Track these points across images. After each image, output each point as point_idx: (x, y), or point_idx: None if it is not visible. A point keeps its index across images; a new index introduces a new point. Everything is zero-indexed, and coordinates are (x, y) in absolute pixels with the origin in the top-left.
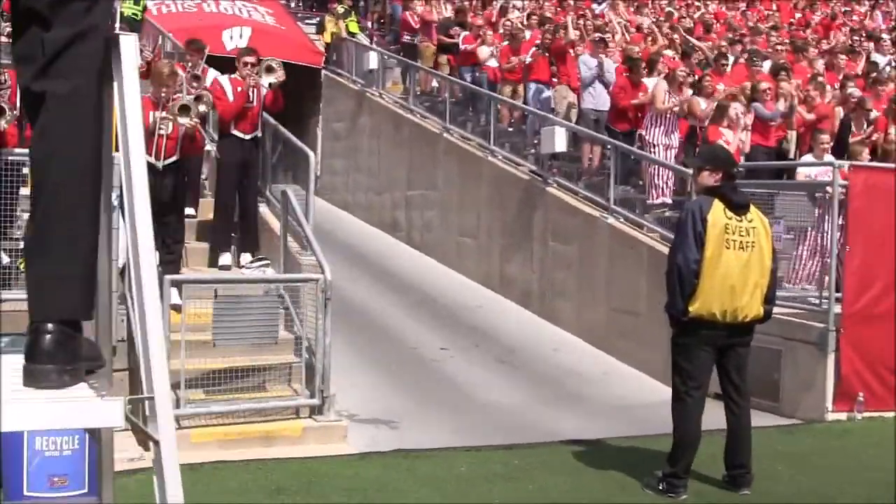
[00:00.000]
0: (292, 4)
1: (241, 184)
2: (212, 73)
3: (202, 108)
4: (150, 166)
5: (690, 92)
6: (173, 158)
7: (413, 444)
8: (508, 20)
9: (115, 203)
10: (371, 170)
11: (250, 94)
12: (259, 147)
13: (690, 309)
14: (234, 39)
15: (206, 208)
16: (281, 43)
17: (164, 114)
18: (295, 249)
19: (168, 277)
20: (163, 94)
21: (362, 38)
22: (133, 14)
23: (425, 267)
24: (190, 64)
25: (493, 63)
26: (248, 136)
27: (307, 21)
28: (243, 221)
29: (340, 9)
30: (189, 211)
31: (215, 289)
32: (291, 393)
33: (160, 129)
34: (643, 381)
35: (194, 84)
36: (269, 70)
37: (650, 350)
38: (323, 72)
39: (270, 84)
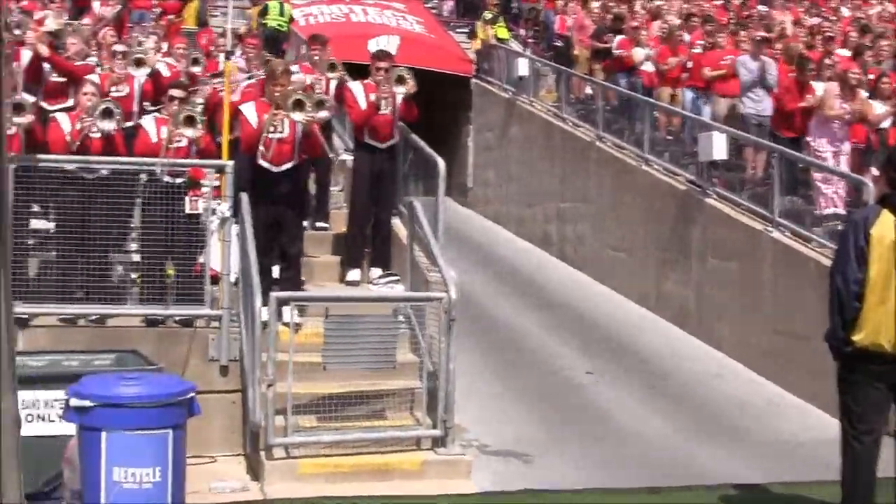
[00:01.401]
0: (445, 13)
1: (376, 195)
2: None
3: (322, 113)
4: (265, 171)
5: (866, 94)
6: (290, 164)
7: (546, 482)
8: (665, 22)
9: (228, 214)
10: (522, 181)
11: (383, 102)
12: (395, 157)
13: (854, 339)
14: (380, 46)
15: (339, 221)
16: (430, 52)
17: (276, 113)
18: (425, 265)
19: (274, 295)
20: (276, 94)
21: (514, 45)
22: (278, 25)
23: (576, 283)
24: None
25: (649, 67)
26: (382, 146)
27: (458, 29)
28: (376, 234)
29: (488, 14)
30: (321, 224)
31: (326, 307)
32: (412, 422)
33: (271, 130)
34: (812, 414)
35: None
36: (400, 81)
37: (820, 379)
38: (473, 80)
39: (404, 94)
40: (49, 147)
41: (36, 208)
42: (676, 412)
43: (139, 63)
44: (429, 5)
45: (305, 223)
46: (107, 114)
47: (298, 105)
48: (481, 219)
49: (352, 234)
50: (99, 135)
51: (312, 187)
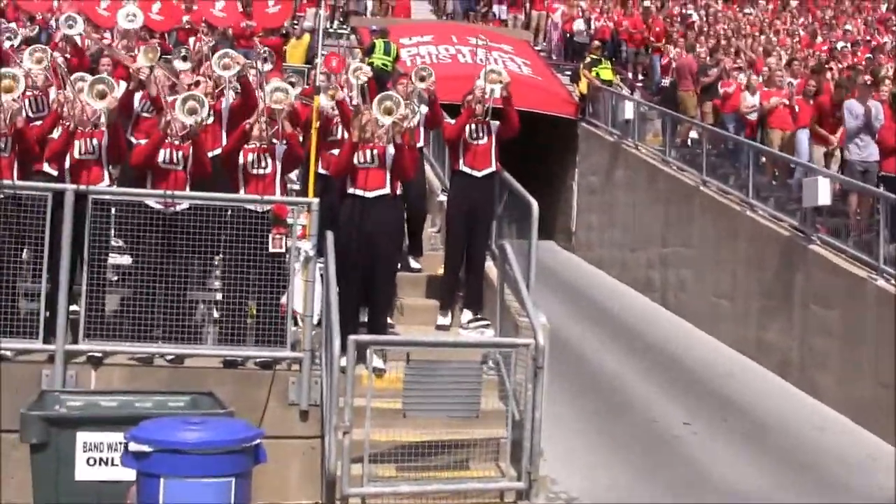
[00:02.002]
0: (553, 56)
1: (471, 230)
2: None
3: (415, 119)
4: (356, 198)
5: None
6: (382, 190)
7: None
8: (768, 65)
9: (312, 253)
10: (625, 225)
11: (480, 129)
12: (492, 189)
13: None
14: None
15: (434, 262)
16: (536, 94)
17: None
18: (516, 309)
19: (352, 338)
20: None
21: (620, 87)
22: (383, 64)
23: (677, 330)
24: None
25: (753, 113)
26: (479, 174)
27: (567, 72)
28: (469, 275)
29: (591, 58)
30: (414, 264)
31: (407, 352)
32: (495, 473)
33: (361, 161)
34: None
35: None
36: (494, 80)
37: None
38: (579, 123)
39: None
40: (131, 159)
41: (118, 243)
42: (776, 466)
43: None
44: (537, 48)
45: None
46: (192, 112)
47: (387, 112)
48: (584, 263)
49: (447, 278)
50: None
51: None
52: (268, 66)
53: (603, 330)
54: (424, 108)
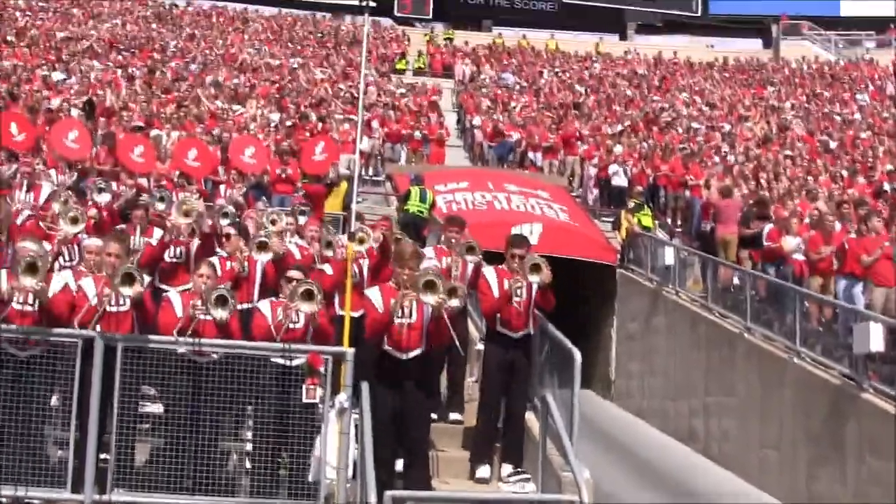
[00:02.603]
0: (590, 201)
1: (507, 387)
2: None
3: (454, 301)
4: (391, 358)
5: None
6: (418, 351)
7: None
8: (816, 208)
9: (347, 404)
10: (666, 373)
11: (517, 291)
12: (529, 348)
13: None
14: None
15: (472, 413)
16: (574, 240)
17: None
18: (559, 463)
19: (389, 494)
20: (404, 277)
21: (660, 234)
22: (419, 211)
23: (721, 482)
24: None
25: (799, 255)
26: (515, 335)
27: (604, 218)
28: (507, 429)
29: (632, 203)
30: (454, 416)
31: None
32: None
33: (399, 315)
34: None
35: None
36: (535, 269)
37: None
38: (618, 270)
39: (539, 283)
40: (160, 328)
41: (150, 391)
42: None
43: (262, 247)
44: (574, 194)
45: (434, 415)
46: (221, 301)
47: (430, 286)
48: (623, 413)
49: (481, 428)
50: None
51: (444, 377)
52: (301, 219)
53: (645, 483)
54: (472, 258)
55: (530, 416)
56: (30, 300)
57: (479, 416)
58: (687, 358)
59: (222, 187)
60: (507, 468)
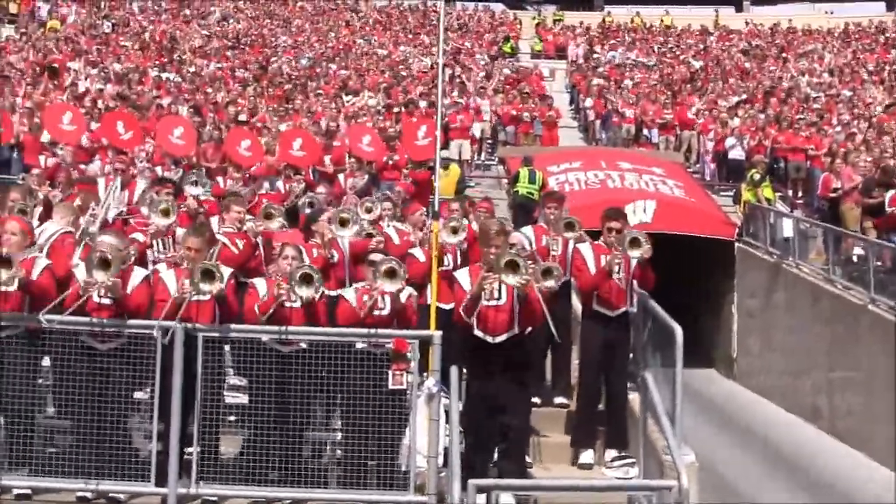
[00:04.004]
0: (707, 176)
1: (608, 367)
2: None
3: (550, 282)
4: (481, 342)
5: None
6: (508, 334)
7: None
8: None
9: (435, 389)
10: (787, 350)
11: (615, 267)
12: (627, 326)
13: None
14: (637, 214)
15: None
16: (689, 216)
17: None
18: (663, 446)
19: (473, 482)
20: (491, 257)
21: (779, 206)
22: (528, 192)
23: (847, 461)
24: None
25: None
26: (613, 314)
27: (722, 192)
28: (609, 411)
29: (756, 175)
30: (560, 400)
31: (534, 498)
32: None
33: (486, 297)
34: None
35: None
36: (634, 244)
37: None
38: (736, 244)
39: (638, 259)
40: (245, 316)
41: (235, 381)
42: None
43: (343, 223)
44: (691, 169)
45: (538, 400)
46: (306, 280)
47: (512, 267)
48: (746, 392)
49: (582, 412)
50: (298, 303)
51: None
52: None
53: (766, 463)
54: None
55: (634, 398)
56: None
57: (579, 398)
58: (809, 333)
59: (341, 176)
60: (610, 453)
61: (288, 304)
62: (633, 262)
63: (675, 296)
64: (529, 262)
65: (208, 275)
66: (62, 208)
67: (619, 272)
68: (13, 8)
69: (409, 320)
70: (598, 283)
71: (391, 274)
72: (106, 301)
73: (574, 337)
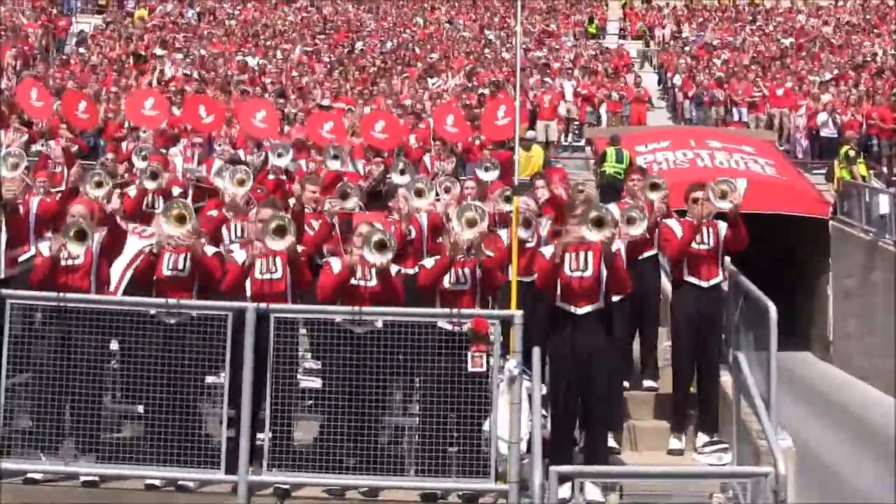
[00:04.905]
0: (799, 154)
1: (700, 344)
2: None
3: (634, 229)
4: (567, 314)
5: None
6: (593, 306)
7: None
8: None
9: (516, 372)
10: (887, 331)
11: (705, 233)
12: (720, 299)
13: None
14: None
15: (668, 379)
16: (782, 194)
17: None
18: (757, 430)
19: (554, 469)
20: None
21: (875, 183)
22: (615, 172)
23: None
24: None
25: None
26: (705, 284)
27: (815, 170)
28: (701, 394)
29: (849, 151)
30: (648, 383)
31: (619, 484)
32: None
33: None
34: None
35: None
36: (723, 195)
37: None
38: (830, 223)
39: (730, 216)
40: (318, 294)
41: (310, 364)
42: None
43: (419, 193)
44: (783, 147)
45: (627, 383)
46: (380, 246)
47: (598, 223)
48: (844, 375)
49: (673, 394)
50: (373, 281)
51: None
52: (490, 175)
53: (864, 450)
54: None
55: (727, 380)
56: (179, 264)
57: (675, 381)
58: None
59: (426, 158)
60: (702, 437)
61: (362, 283)
62: (722, 232)
63: (767, 277)
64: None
65: (280, 230)
66: None
67: (708, 240)
68: None
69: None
70: (687, 246)
71: (471, 223)
72: (179, 274)
73: (663, 317)
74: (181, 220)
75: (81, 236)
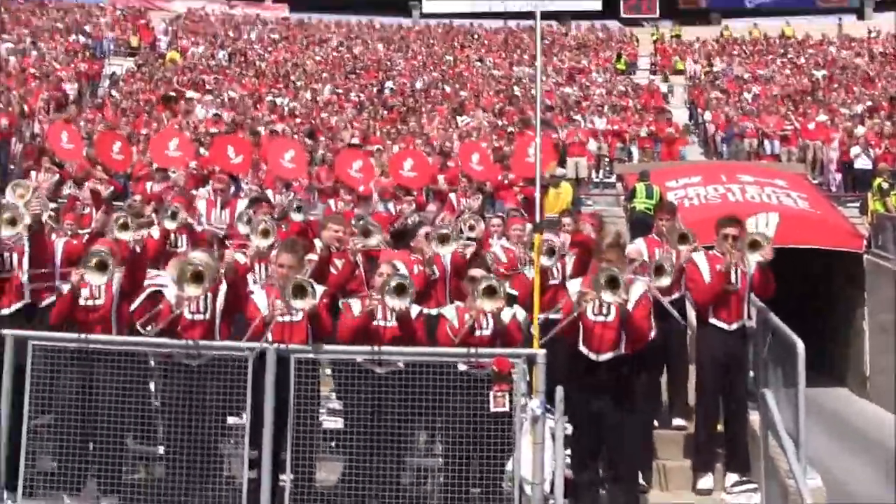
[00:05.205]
0: (832, 187)
1: (726, 385)
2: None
3: (663, 280)
4: (586, 360)
5: None
6: (613, 353)
7: None
8: None
9: (540, 412)
10: None
11: (732, 274)
12: (746, 340)
13: None
14: (759, 227)
15: None
16: (814, 228)
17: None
18: (786, 469)
19: None
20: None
21: None
22: (646, 208)
23: None
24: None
25: None
26: (731, 327)
27: (849, 203)
28: (729, 432)
29: (883, 184)
30: (678, 422)
31: None
32: None
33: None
34: None
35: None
36: (754, 245)
37: None
38: (865, 257)
39: (759, 263)
40: (338, 335)
41: (333, 405)
42: None
43: (443, 240)
44: (816, 181)
45: (656, 422)
46: (399, 290)
47: (611, 284)
48: (881, 411)
49: (700, 434)
50: (392, 321)
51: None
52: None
53: None
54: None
55: (755, 418)
56: (200, 308)
57: (698, 420)
58: None
59: (452, 196)
60: (731, 477)
61: (382, 323)
62: (750, 272)
63: (801, 312)
64: (642, 274)
65: (300, 290)
66: None
67: (735, 282)
68: (134, 41)
69: (513, 341)
70: (715, 291)
71: (491, 292)
72: (199, 317)
73: (690, 356)
74: (198, 278)
75: (102, 267)
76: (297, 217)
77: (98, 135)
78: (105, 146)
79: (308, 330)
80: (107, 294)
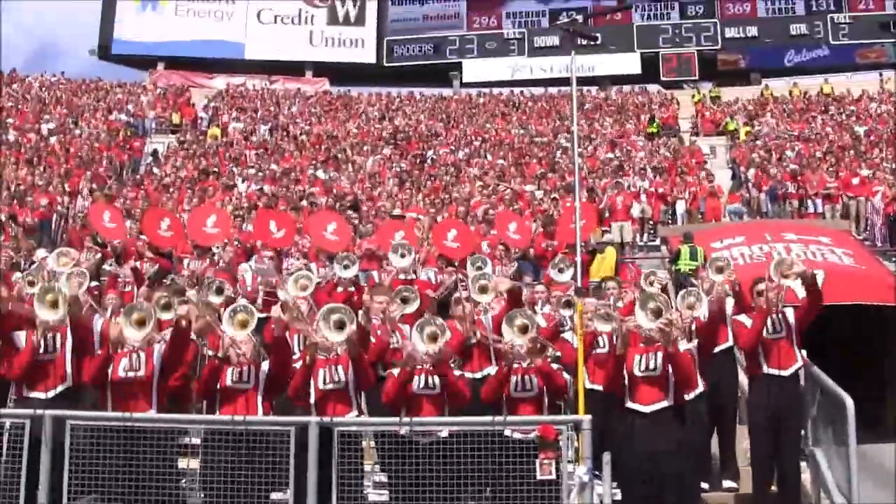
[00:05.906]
0: (878, 242)
1: (779, 438)
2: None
3: (697, 311)
4: (631, 413)
5: None
6: (661, 404)
7: None
8: None
9: (587, 479)
10: None
11: (775, 320)
12: (799, 388)
13: None
14: None
15: (747, 480)
16: (859, 284)
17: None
18: None
19: None
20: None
21: None
22: (690, 270)
23: None
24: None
25: None
26: (784, 373)
27: (893, 258)
28: (782, 493)
29: None
30: (728, 483)
31: None
32: None
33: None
34: None
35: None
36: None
37: None
38: None
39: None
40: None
41: (380, 477)
42: None
43: (483, 290)
44: (861, 237)
45: (706, 484)
46: (431, 338)
47: (655, 312)
48: None
49: (754, 495)
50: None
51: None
52: (563, 277)
53: None
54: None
55: (806, 477)
56: (244, 375)
57: (754, 481)
58: None
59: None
60: None
61: (425, 392)
62: (792, 318)
63: (852, 369)
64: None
65: (339, 324)
66: None
67: (780, 329)
68: (175, 118)
69: (558, 386)
70: (759, 335)
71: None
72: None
73: (741, 414)
74: (244, 325)
75: (141, 323)
76: (344, 273)
77: (145, 212)
78: (152, 224)
79: (352, 400)
80: (147, 366)
